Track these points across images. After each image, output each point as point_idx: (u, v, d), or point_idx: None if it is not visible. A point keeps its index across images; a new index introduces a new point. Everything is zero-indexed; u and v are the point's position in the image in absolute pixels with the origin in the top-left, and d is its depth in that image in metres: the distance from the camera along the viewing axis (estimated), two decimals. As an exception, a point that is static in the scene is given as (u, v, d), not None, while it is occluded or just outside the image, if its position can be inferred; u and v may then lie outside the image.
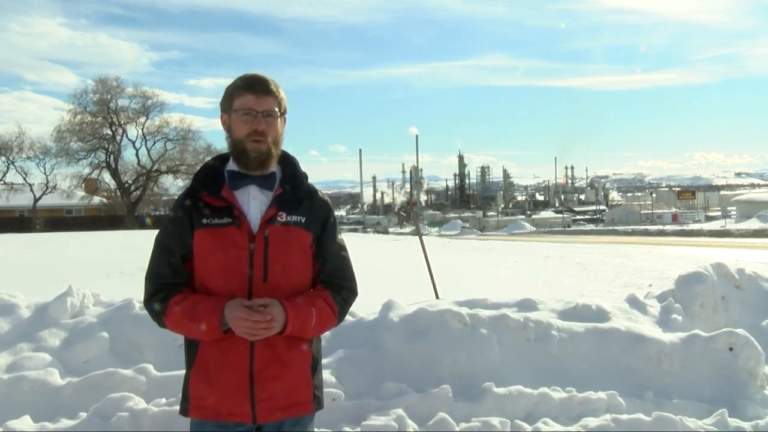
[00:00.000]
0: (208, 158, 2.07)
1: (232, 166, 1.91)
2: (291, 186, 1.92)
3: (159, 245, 1.90)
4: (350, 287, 1.99)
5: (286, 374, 1.87)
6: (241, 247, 1.82)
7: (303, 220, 1.90)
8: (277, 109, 1.89)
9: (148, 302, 1.89)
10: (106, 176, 51.98)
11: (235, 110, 1.87)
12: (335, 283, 1.95)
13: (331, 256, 1.95)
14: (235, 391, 1.82)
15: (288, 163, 1.98)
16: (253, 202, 1.87)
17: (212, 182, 1.89)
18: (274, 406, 1.85)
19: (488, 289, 7.00)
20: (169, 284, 1.86)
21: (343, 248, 2.00)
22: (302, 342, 1.90)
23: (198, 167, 2.05)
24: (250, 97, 1.86)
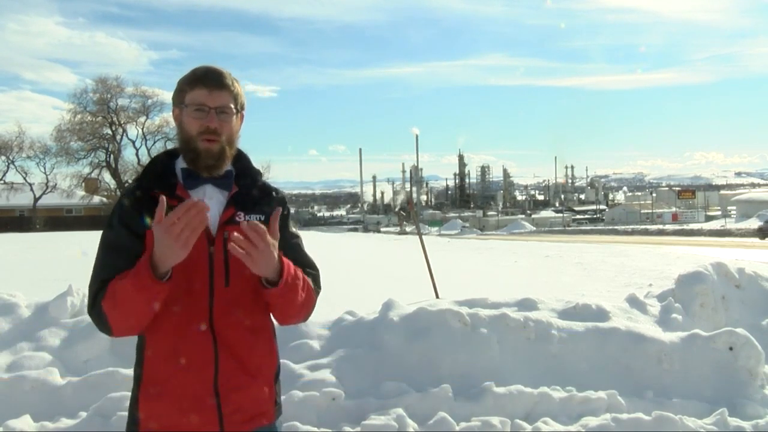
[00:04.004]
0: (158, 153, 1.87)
1: (184, 163, 1.76)
2: (246, 184, 1.81)
3: (108, 247, 1.69)
4: (316, 276, 1.87)
5: (251, 384, 1.74)
6: (200, 250, 1.65)
7: (262, 218, 1.75)
8: (232, 105, 1.74)
9: (92, 306, 1.65)
10: (106, 176, 51.98)
11: (186, 105, 1.72)
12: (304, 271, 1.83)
13: (291, 249, 1.82)
14: (199, 407, 1.66)
15: (241, 160, 1.84)
16: (210, 202, 1.67)
17: (166, 180, 1.73)
18: (241, 419, 1.72)
19: (488, 288, 7.00)
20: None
21: (299, 238, 1.89)
22: (268, 349, 1.80)
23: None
24: (203, 91, 1.71)
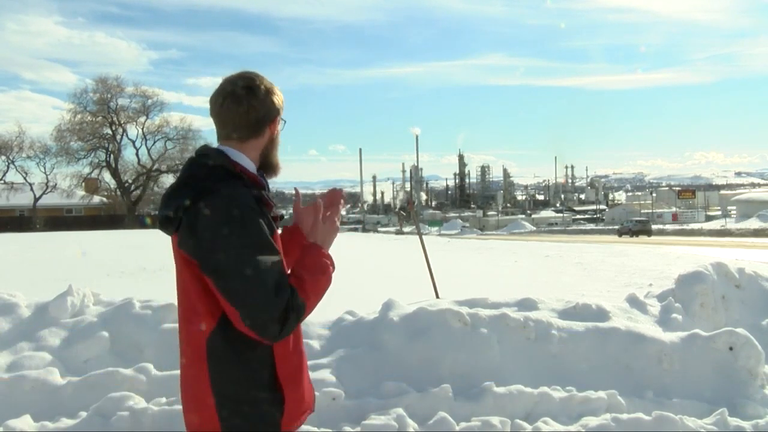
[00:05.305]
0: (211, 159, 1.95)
1: (253, 168, 1.84)
2: None
3: (272, 255, 1.66)
4: None
5: None
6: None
7: None
8: None
9: (289, 310, 1.63)
10: (106, 176, 52.15)
11: (283, 121, 1.88)
12: None
13: None
14: (310, 386, 1.87)
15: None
16: None
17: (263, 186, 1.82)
18: None
19: (488, 288, 7.00)
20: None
21: None
22: None
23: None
24: None
